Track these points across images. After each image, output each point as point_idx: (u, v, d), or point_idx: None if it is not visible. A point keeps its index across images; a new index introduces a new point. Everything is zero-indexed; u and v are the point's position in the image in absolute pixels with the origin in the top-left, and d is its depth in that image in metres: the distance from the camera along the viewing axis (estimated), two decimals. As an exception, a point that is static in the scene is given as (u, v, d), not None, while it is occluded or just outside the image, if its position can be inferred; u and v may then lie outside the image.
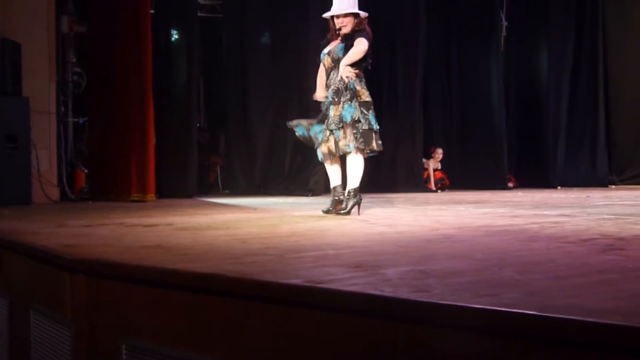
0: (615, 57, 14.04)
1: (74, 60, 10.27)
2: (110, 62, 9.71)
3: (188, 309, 2.85)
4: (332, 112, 6.17)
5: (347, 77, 6.14)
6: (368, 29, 6.37)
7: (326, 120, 6.25)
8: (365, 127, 6.13)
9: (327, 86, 6.35)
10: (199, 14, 11.04)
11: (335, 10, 6.37)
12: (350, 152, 6.15)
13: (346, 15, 6.32)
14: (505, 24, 13.65)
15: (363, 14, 6.34)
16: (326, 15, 6.51)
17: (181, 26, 10.90)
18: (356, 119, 6.11)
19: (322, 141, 6.27)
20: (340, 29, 6.33)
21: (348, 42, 6.26)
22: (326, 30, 10.68)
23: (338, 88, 6.19)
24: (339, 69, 6.21)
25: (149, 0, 9.81)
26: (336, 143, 6.14)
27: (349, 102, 6.13)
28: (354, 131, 6.11)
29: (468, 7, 13.01)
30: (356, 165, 6.17)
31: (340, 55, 6.26)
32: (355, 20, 6.31)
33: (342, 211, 6.18)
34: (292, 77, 11.00)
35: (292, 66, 10.95)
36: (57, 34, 9.83)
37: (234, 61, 11.17)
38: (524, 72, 13.68)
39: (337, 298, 2.37)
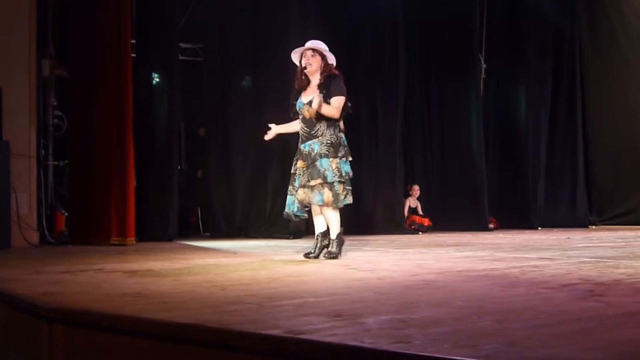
0: (594, 96, 14.22)
1: (54, 103, 10.27)
2: (91, 106, 9.69)
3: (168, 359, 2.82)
4: (328, 164, 6.18)
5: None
6: (339, 74, 6.40)
7: (312, 171, 6.23)
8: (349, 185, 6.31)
9: (312, 136, 6.32)
10: (180, 57, 11.08)
11: (306, 45, 6.43)
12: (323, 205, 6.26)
13: (314, 53, 6.36)
14: (484, 65, 13.80)
15: (331, 59, 6.39)
16: (295, 52, 6.54)
17: (162, 69, 10.93)
18: (351, 176, 6.30)
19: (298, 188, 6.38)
20: (305, 67, 6.36)
21: (323, 92, 6.27)
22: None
23: (332, 142, 6.24)
24: (324, 120, 6.26)
25: (130, 44, 9.85)
26: (336, 195, 6.17)
27: (344, 159, 6.26)
28: (349, 187, 6.27)
29: (447, 49, 13.14)
30: (335, 216, 6.29)
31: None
32: (322, 62, 6.35)
33: (331, 255, 6.27)
34: (272, 119, 11.01)
35: (272, 109, 10.98)
36: (38, 77, 9.85)
37: (214, 104, 11.19)
38: (503, 112, 13.83)
39: (317, 350, 2.36)
